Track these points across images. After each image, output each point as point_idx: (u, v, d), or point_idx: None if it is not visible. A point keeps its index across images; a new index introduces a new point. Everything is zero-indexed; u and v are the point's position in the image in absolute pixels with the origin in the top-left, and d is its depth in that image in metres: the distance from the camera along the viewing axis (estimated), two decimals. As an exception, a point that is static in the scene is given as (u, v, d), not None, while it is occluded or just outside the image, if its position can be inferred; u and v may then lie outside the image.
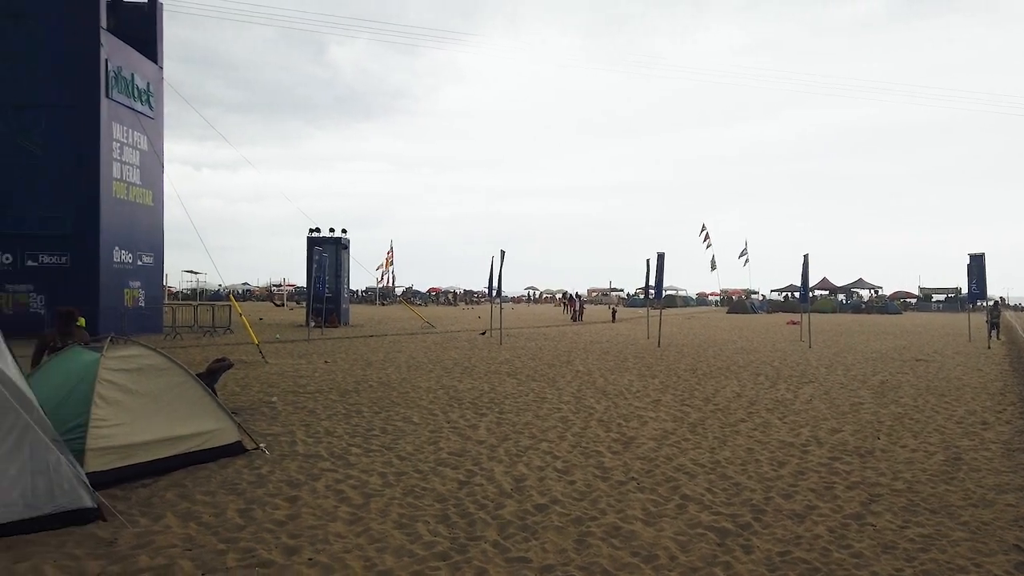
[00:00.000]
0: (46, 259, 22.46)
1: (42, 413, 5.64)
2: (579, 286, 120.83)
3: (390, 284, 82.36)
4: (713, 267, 60.07)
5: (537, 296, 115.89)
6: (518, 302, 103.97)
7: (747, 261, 65.47)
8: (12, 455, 5.31)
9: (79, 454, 6.18)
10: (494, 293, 29.61)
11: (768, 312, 71.23)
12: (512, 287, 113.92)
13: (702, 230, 58.34)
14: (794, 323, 40.44)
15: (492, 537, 5.64)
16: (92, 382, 6.70)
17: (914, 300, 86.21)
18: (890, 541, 5.67)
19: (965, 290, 30.55)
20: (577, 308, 48.95)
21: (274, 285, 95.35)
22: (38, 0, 22.48)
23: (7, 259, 22.46)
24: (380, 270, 77.75)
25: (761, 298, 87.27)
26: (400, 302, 74.64)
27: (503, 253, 27.76)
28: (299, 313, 45.59)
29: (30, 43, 22.12)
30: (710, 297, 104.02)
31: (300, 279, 74.07)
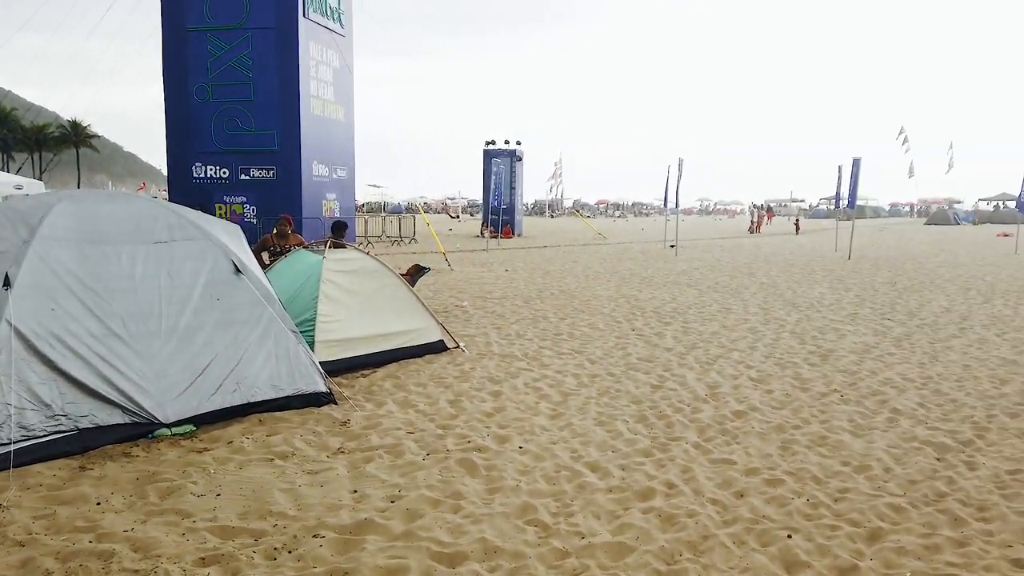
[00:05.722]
0: (256, 173, 24.66)
1: (282, 307, 6.32)
2: (755, 197, 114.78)
3: (559, 196, 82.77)
4: (911, 174, 54.88)
5: (711, 207, 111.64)
6: (688, 214, 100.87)
7: (951, 166, 59.10)
8: (261, 342, 6.01)
9: (310, 345, 6.86)
10: (670, 204, 28.90)
11: (974, 223, 64.26)
12: (682, 199, 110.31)
13: (900, 133, 53.19)
14: (1006, 235, 36.28)
15: (692, 439, 5.71)
16: (317, 281, 7.38)
17: None
18: None
19: None
20: (755, 219, 46.80)
21: (449, 198, 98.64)
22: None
23: (224, 173, 24.87)
24: (550, 182, 78.25)
25: (966, 209, 78.65)
26: (571, 213, 74.88)
27: (681, 162, 26.88)
28: (471, 224, 47.00)
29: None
30: (903, 207, 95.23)
31: (473, 192, 76.09)
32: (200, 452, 5.20)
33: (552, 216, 75.89)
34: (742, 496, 4.63)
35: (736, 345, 9.37)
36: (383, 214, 39.89)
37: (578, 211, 76.92)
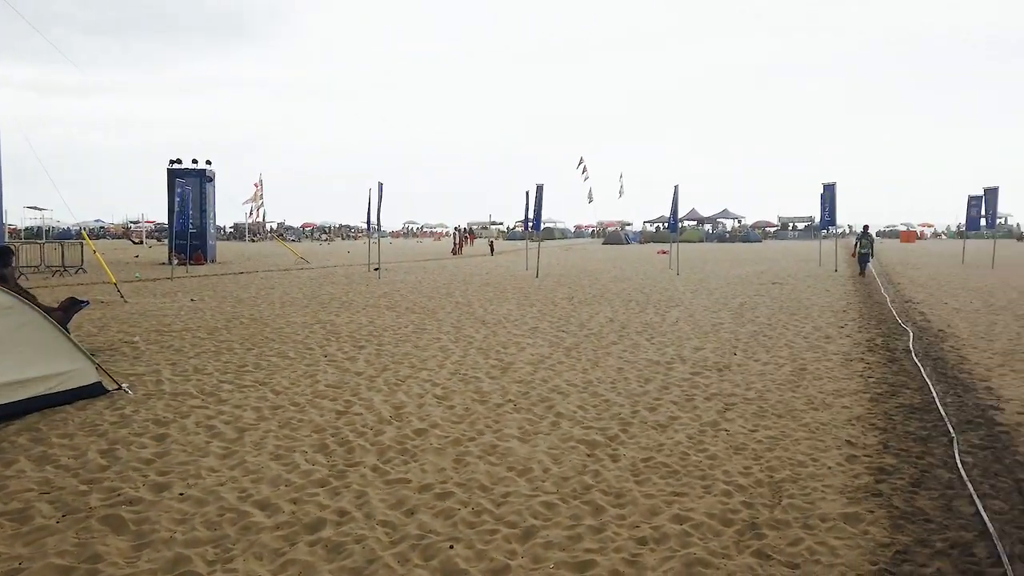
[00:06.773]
0: None
1: None
2: (459, 220, 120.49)
3: (260, 219, 79.04)
4: (590, 199, 61.42)
5: (417, 230, 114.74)
6: (396, 236, 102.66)
7: (622, 193, 67.28)
8: None
9: (-88, 401, 5.67)
10: (373, 227, 29.04)
11: (641, 243, 73.87)
12: (390, 222, 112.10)
13: (580, 163, 59.25)
14: (664, 252, 42.25)
15: (371, 462, 5.70)
16: (-78, 323, 6.12)
17: (773, 229, 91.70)
18: (741, 443, 6.18)
19: (818, 219, 32.92)
20: (457, 241, 49.02)
21: (131, 222, 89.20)
22: None
23: None
24: (249, 204, 74.39)
25: (635, 230, 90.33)
26: (272, 238, 72.05)
27: (381, 186, 27.18)
28: (159, 251, 43.00)
29: None
30: (586, 229, 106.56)
31: (160, 215, 69.45)
32: None
33: (253, 240, 72.22)
34: (412, 514, 4.71)
35: (426, 364, 9.62)
36: (43, 240, 34.74)
37: (281, 235, 74.22)
